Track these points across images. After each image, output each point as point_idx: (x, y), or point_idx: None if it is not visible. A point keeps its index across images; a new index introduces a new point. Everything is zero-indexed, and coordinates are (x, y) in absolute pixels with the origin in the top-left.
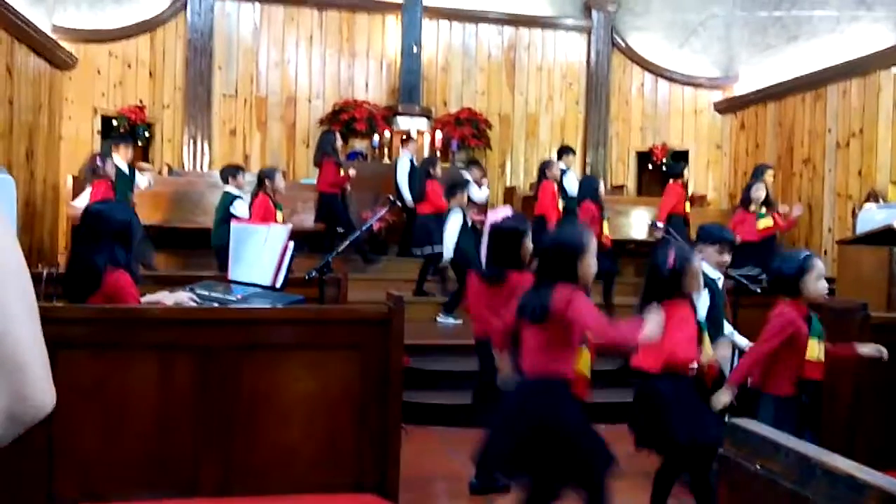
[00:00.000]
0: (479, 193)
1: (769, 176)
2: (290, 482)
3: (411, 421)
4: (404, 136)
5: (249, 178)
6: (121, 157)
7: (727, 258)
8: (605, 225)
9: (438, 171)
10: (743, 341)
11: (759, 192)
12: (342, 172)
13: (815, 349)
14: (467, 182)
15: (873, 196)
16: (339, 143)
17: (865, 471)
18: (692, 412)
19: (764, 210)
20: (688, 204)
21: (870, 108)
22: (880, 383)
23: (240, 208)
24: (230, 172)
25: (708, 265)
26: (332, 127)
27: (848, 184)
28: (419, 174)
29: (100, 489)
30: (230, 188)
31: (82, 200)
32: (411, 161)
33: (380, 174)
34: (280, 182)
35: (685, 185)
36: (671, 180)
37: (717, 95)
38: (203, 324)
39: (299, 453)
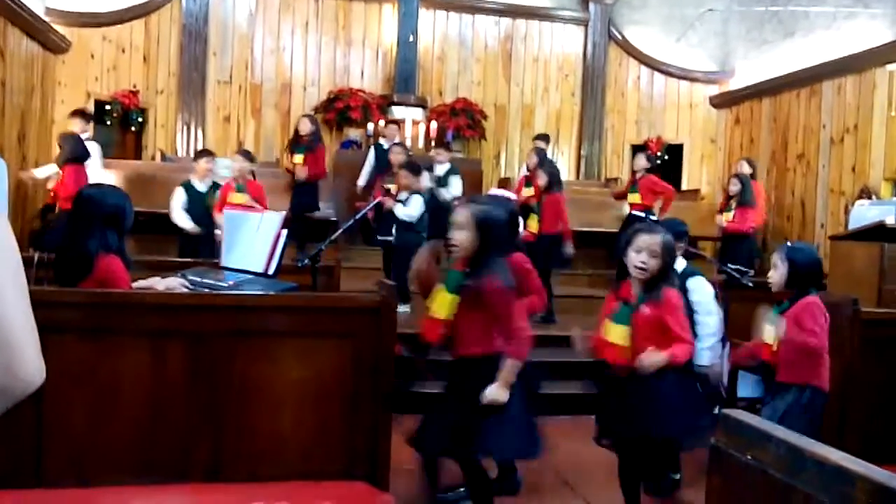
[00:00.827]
0: (424, 181)
1: (741, 167)
2: (281, 469)
3: (402, 410)
4: (384, 125)
5: (227, 163)
6: (76, 131)
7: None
8: (532, 219)
9: (394, 157)
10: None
11: (730, 187)
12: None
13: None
14: (426, 168)
15: (866, 192)
16: (304, 128)
17: (855, 461)
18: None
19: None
20: (636, 197)
21: (864, 104)
22: (871, 376)
23: (175, 198)
24: (193, 159)
25: None
26: (326, 115)
27: (841, 180)
28: None
29: (90, 473)
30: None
31: (44, 172)
32: (377, 148)
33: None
34: (237, 166)
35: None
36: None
37: (713, 90)
38: (195, 310)
39: (290, 440)
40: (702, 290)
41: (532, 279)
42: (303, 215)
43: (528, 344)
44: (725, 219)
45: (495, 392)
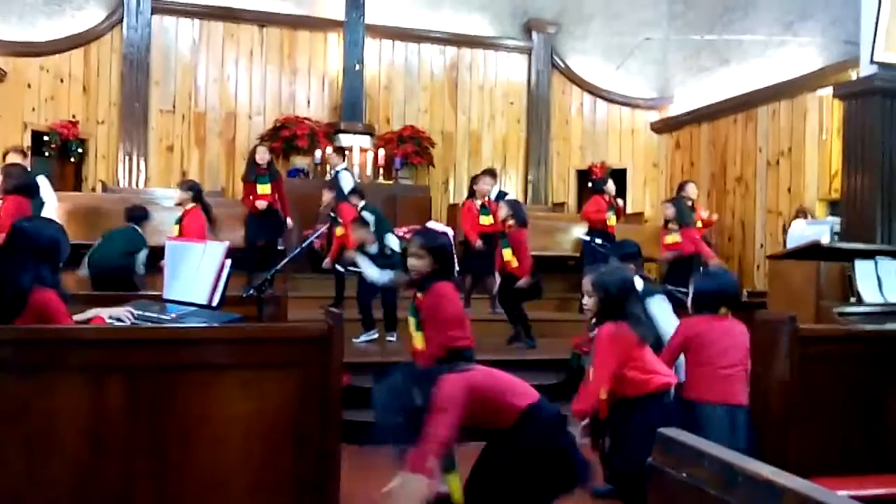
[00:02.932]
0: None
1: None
2: None
3: (351, 440)
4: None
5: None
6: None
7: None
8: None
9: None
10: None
11: (666, 211)
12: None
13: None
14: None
15: (802, 213)
16: (264, 157)
17: (783, 475)
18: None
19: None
20: (612, 218)
21: (797, 128)
22: (809, 390)
23: None
24: None
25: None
26: (272, 143)
27: (778, 201)
28: None
29: None
30: None
31: None
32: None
33: (321, 191)
34: (177, 196)
35: (609, 201)
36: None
37: (654, 116)
38: (134, 344)
39: (236, 475)
40: (660, 310)
41: None
42: (267, 245)
43: None
44: (671, 240)
45: None
